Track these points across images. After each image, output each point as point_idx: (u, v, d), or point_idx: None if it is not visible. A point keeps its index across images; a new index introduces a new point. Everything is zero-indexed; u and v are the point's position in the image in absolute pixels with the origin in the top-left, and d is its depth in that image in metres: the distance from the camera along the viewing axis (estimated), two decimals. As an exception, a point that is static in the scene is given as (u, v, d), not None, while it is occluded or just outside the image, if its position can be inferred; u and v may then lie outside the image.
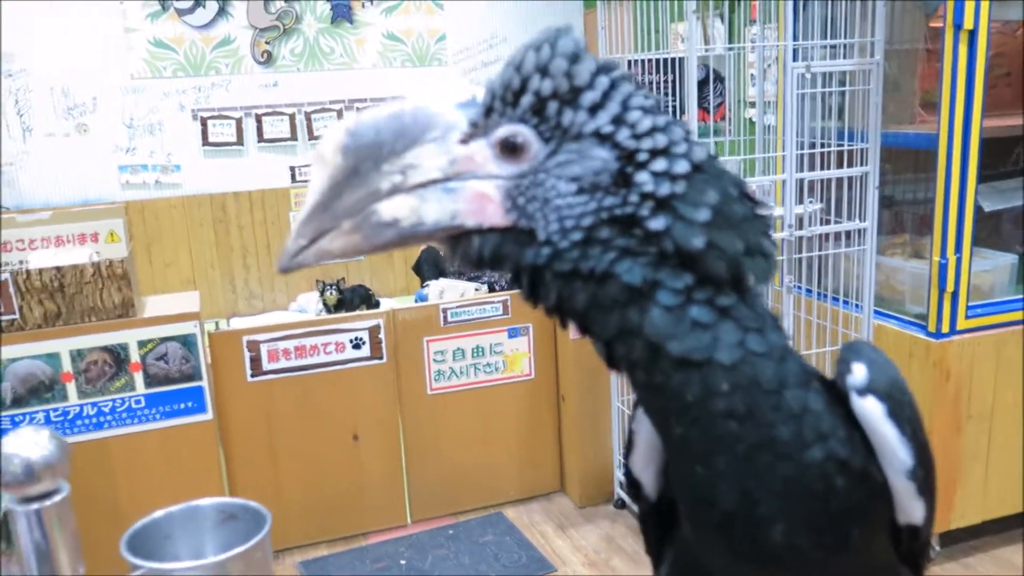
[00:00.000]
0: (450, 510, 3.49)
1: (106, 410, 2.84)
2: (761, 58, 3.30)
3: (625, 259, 0.76)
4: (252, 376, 3.14)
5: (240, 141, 5.55)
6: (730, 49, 3.31)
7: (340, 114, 5.78)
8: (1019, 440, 2.90)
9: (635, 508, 1.46)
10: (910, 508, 0.88)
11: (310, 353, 3.19)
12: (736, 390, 0.77)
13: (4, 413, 2.72)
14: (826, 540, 0.83)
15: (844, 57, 2.75)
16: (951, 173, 2.61)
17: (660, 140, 0.77)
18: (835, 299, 2.88)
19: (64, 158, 4.87)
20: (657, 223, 0.76)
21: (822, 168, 2.78)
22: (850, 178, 2.81)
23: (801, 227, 2.73)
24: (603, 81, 0.77)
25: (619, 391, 3.36)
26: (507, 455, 3.55)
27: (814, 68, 2.68)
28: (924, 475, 0.86)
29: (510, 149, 0.78)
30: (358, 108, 5.79)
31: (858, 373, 0.85)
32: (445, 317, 3.35)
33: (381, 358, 3.27)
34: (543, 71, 0.76)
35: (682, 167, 0.77)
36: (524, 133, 0.77)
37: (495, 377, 3.46)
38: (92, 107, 4.99)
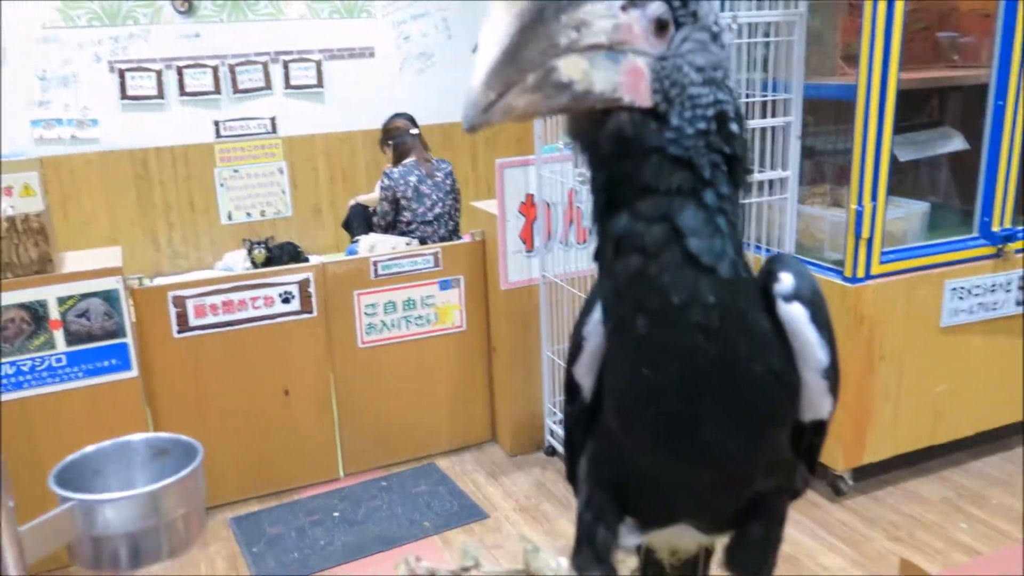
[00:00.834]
0: (383, 462, 3.51)
1: (25, 369, 2.76)
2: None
3: (710, 152, 0.81)
4: (179, 332, 3.08)
5: (161, 95, 5.38)
6: None
7: (266, 67, 5.64)
8: (927, 379, 3.04)
9: (563, 453, 1.50)
10: (820, 404, 0.96)
11: (238, 308, 3.15)
12: (716, 306, 0.81)
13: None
14: (746, 439, 0.91)
15: (769, 8, 2.80)
16: (868, 124, 2.69)
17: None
18: (757, 247, 2.97)
19: (-28, 111, 4.67)
20: (735, 126, 0.83)
21: (746, 118, 2.83)
22: (773, 128, 2.89)
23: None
24: None
25: (549, 341, 3.40)
26: (439, 407, 3.58)
27: (740, 19, 2.72)
28: (834, 374, 0.95)
29: (660, 27, 0.78)
30: (284, 61, 5.65)
31: (785, 281, 0.91)
32: (375, 270, 3.34)
33: (311, 312, 3.25)
34: None
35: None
36: (669, 13, 0.79)
37: (426, 329, 3.47)
38: (1, 58, 4.77)
